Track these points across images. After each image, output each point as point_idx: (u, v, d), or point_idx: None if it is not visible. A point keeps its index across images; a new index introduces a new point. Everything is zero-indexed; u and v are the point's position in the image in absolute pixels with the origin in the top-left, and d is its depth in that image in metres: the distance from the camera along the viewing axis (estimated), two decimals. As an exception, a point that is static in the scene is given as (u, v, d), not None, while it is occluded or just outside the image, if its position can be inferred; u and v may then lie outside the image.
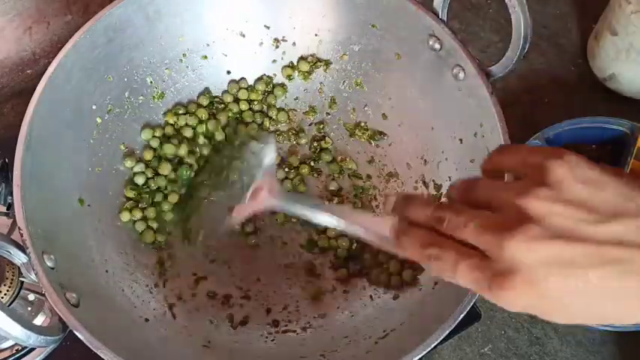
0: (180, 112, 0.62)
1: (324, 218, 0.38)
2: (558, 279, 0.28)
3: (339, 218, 0.37)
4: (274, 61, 0.64)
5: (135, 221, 0.58)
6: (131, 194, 0.59)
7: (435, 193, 0.58)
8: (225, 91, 0.64)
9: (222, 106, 0.64)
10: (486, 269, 0.29)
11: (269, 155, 0.47)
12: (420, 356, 0.43)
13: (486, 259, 0.29)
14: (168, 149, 0.60)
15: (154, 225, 0.59)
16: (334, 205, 0.58)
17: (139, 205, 0.59)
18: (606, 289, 0.28)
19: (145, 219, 0.59)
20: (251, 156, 0.49)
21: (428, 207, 0.33)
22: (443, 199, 0.58)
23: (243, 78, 0.64)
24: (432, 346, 0.43)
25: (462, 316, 0.43)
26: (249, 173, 0.47)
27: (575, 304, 0.28)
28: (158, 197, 0.59)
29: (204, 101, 0.63)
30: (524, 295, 0.28)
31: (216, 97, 0.64)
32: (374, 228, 0.36)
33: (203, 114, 0.62)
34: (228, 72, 0.64)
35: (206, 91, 0.63)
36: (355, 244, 0.59)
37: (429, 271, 0.32)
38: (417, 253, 0.33)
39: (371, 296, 0.57)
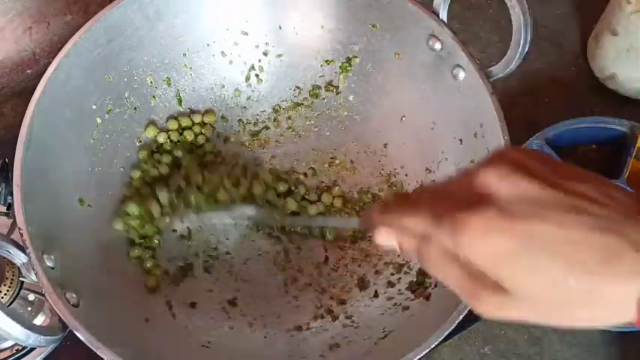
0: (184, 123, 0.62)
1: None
2: (535, 218, 0.25)
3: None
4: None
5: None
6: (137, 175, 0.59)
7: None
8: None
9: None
10: (450, 210, 0.26)
11: None
12: (420, 356, 0.43)
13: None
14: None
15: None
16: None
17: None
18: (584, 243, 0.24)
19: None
20: None
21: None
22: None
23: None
24: (432, 346, 0.43)
25: (462, 316, 0.43)
26: None
27: (550, 256, 0.25)
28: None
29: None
30: (498, 234, 0.25)
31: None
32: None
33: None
34: (228, 72, 0.64)
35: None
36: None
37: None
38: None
39: (371, 297, 0.57)
